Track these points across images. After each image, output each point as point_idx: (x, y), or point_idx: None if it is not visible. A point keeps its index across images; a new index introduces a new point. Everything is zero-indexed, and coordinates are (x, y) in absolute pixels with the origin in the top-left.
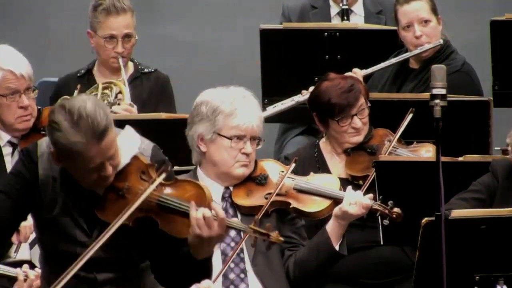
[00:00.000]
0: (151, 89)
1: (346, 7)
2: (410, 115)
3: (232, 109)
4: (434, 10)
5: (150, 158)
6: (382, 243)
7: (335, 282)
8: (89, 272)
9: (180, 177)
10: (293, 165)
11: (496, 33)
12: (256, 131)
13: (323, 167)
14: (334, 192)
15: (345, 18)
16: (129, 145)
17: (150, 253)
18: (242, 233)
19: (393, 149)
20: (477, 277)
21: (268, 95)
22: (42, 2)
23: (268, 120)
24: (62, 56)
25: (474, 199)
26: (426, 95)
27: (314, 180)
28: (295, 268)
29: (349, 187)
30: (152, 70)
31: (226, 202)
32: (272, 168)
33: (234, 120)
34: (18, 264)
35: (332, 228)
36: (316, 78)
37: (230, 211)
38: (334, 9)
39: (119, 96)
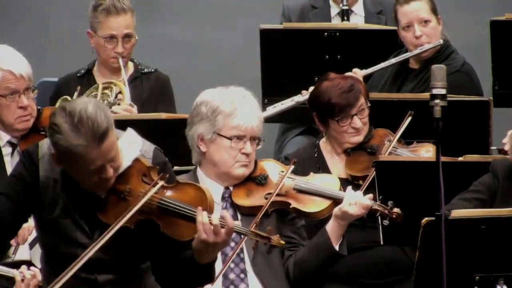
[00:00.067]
0: (151, 89)
1: (346, 7)
2: (409, 118)
3: (232, 109)
4: (434, 10)
5: (151, 161)
6: (382, 243)
7: (335, 282)
8: (89, 273)
9: (180, 177)
10: (292, 167)
11: (496, 33)
12: (256, 131)
13: (323, 167)
14: (334, 192)
15: (345, 18)
16: (131, 148)
17: (151, 255)
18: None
19: (393, 149)
20: (477, 277)
21: (268, 95)
22: (42, 2)
23: (268, 120)
24: (62, 56)
25: (476, 199)
26: (426, 95)
27: (314, 180)
28: (295, 268)
29: (349, 187)
30: (152, 70)
31: (226, 202)
32: (272, 168)
33: (234, 120)
34: (18, 264)
35: (332, 228)
36: (316, 78)
37: (230, 211)
38: (334, 9)
39: (119, 96)
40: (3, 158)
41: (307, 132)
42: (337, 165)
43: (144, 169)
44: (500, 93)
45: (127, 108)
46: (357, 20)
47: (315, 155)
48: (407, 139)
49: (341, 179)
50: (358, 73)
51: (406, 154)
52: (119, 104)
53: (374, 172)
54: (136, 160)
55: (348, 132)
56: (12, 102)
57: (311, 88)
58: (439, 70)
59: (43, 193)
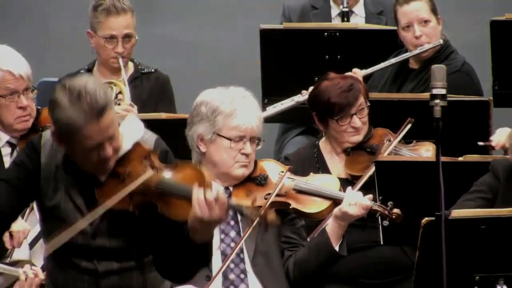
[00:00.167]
0: (151, 89)
1: (346, 9)
2: (409, 125)
3: (232, 109)
4: (434, 10)
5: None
6: (382, 243)
7: (335, 282)
8: (89, 261)
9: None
10: (287, 174)
11: (496, 33)
12: (256, 131)
13: (322, 167)
14: (334, 193)
15: (346, 20)
16: (132, 133)
17: (152, 242)
18: (242, 234)
19: (394, 149)
20: (477, 277)
21: (268, 95)
22: (42, 2)
23: (268, 120)
24: (62, 56)
25: (480, 198)
26: (426, 95)
27: (314, 181)
28: (295, 268)
29: (349, 188)
30: (152, 70)
31: None
32: (272, 169)
33: (234, 121)
34: (18, 264)
35: (332, 228)
36: (316, 78)
37: (230, 211)
38: (334, 10)
39: (119, 96)
40: (3, 158)
41: (307, 132)
42: (337, 165)
43: (144, 153)
44: (500, 93)
45: (127, 108)
46: (358, 21)
47: (315, 155)
48: (407, 139)
49: (341, 179)
50: (358, 73)
51: (405, 153)
52: (119, 104)
53: (370, 171)
54: (137, 144)
55: (347, 131)
56: (11, 102)
57: (311, 88)
58: (439, 70)
59: (44, 179)
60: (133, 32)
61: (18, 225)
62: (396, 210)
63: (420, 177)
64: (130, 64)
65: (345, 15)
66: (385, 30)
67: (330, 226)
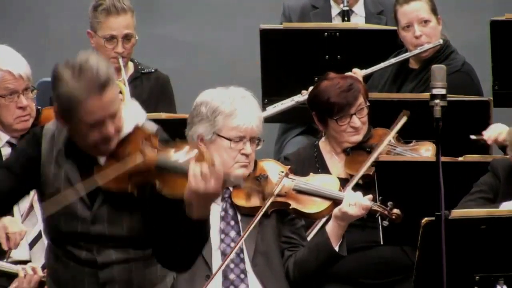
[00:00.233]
0: (151, 89)
1: (346, 8)
2: (404, 118)
3: (232, 109)
4: (434, 10)
5: None
6: (382, 243)
7: (335, 282)
8: (89, 251)
9: None
10: (284, 179)
11: (496, 33)
12: (256, 131)
13: (322, 167)
14: (334, 193)
15: (346, 19)
16: (133, 116)
17: (151, 226)
18: (241, 234)
19: (392, 148)
20: (477, 277)
21: (268, 95)
22: (42, 2)
23: (268, 120)
24: (62, 56)
25: (482, 198)
26: (426, 95)
27: (314, 181)
28: (295, 268)
29: (349, 188)
30: (152, 70)
31: (226, 202)
32: (272, 169)
33: (234, 121)
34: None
35: (331, 228)
36: (316, 78)
37: (230, 211)
38: (335, 10)
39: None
40: (3, 158)
41: (307, 132)
42: (337, 165)
43: (145, 135)
44: (500, 93)
45: None
46: (358, 21)
47: (315, 155)
48: (407, 139)
49: (340, 179)
50: (358, 73)
51: (405, 153)
52: None
53: (363, 169)
54: (138, 127)
55: (347, 131)
56: (11, 102)
57: (311, 88)
58: (439, 70)
59: (44, 165)
60: (133, 32)
61: (15, 226)
62: (395, 210)
63: (420, 177)
64: (130, 64)
65: (345, 14)
66: (385, 30)
67: (330, 226)
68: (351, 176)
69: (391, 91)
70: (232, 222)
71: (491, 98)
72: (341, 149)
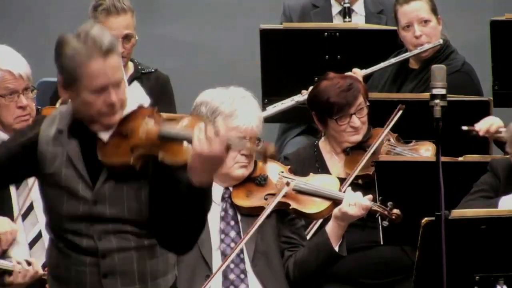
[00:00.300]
0: (151, 89)
1: (348, 5)
2: (400, 112)
3: (232, 110)
4: (434, 10)
5: None
6: (382, 243)
7: (335, 282)
8: (90, 238)
9: None
10: (286, 188)
11: (496, 33)
12: (256, 132)
13: (322, 167)
14: (334, 193)
15: (347, 16)
16: (137, 98)
17: (152, 204)
18: (242, 234)
19: (392, 148)
20: (477, 277)
21: (268, 95)
22: (42, 2)
23: (268, 120)
24: None
25: (483, 197)
26: (426, 95)
27: (314, 181)
28: (294, 269)
29: (349, 188)
30: (152, 70)
31: (226, 202)
32: (272, 169)
33: (234, 121)
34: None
35: (331, 229)
36: (316, 78)
37: (230, 211)
38: (335, 8)
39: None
40: None
41: (307, 132)
42: (337, 164)
43: (148, 112)
44: (500, 93)
45: None
46: (358, 19)
47: (315, 155)
48: (407, 138)
49: (340, 179)
50: (358, 73)
51: (405, 153)
52: None
53: (359, 167)
54: (141, 106)
55: (346, 131)
56: (11, 102)
57: (311, 88)
58: (439, 70)
59: (42, 145)
60: (133, 32)
61: (5, 225)
62: (395, 211)
63: (420, 177)
64: (130, 64)
65: (346, 12)
66: (385, 30)
67: (330, 226)
68: None
69: (391, 91)
70: (232, 222)
71: (491, 98)
72: (341, 149)
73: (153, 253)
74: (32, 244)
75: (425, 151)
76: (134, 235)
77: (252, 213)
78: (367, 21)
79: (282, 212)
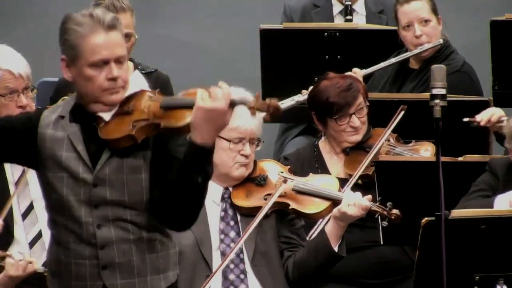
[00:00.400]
0: (151, 89)
1: (349, 2)
2: (402, 113)
3: None
4: (434, 10)
5: None
6: (382, 243)
7: (335, 282)
8: (90, 225)
9: None
10: (283, 185)
11: (496, 33)
12: (255, 132)
13: (322, 167)
14: (333, 193)
15: (348, 14)
16: (139, 83)
17: (153, 184)
18: (241, 234)
19: (391, 148)
20: (477, 277)
21: (268, 95)
22: (42, 2)
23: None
24: None
25: (482, 197)
26: (426, 95)
27: (313, 181)
28: (294, 269)
29: (348, 188)
30: (152, 70)
31: (226, 202)
32: (272, 169)
33: (233, 122)
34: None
35: (331, 229)
36: (316, 78)
37: (230, 211)
38: (336, 8)
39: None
40: None
41: (307, 132)
42: (336, 164)
43: (150, 92)
44: (500, 93)
45: None
46: (358, 19)
47: (314, 155)
48: (406, 138)
49: (340, 179)
50: (358, 73)
51: (405, 153)
52: None
53: (361, 169)
54: (143, 89)
55: (346, 131)
56: (11, 101)
57: (311, 88)
58: (439, 70)
59: (44, 127)
60: (133, 31)
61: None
62: (395, 211)
63: (420, 177)
64: (130, 64)
65: (348, 10)
66: (385, 30)
67: (329, 226)
68: (351, 176)
69: (391, 91)
70: (232, 223)
71: (491, 98)
72: (340, 149)
73: (153, 247)
74: (32, 244)
75: (425, 151)
76: (133, 224)
77: (252, 213)
78: (368, 20)
79: (282, 213)
